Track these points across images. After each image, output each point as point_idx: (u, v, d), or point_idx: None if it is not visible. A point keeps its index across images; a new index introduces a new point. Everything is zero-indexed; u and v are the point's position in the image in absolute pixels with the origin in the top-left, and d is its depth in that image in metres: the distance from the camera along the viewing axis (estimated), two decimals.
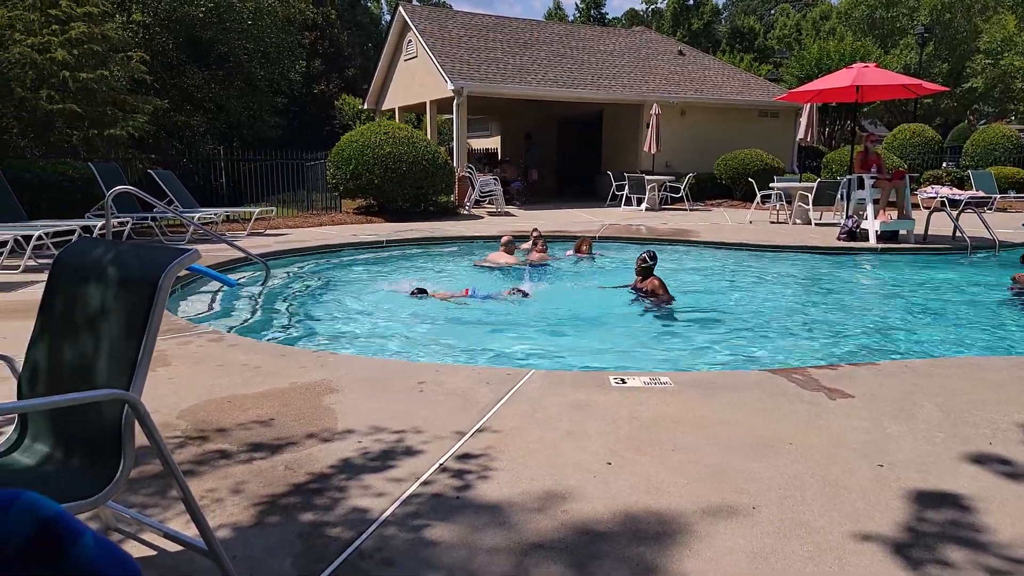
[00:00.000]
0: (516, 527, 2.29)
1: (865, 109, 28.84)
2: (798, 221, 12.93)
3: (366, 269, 8.79)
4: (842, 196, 11.94)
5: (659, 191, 15.96)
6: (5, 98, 10.54)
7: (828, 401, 3.42)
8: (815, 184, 12.60)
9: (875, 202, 10.19)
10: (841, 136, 25.25)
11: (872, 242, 9.98)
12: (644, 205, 15.57)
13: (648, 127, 16.56)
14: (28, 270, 7.22)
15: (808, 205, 12.60)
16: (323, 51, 33.37)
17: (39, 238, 7.31)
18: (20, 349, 2.08)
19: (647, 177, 15.59)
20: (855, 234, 10.18)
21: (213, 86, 19.49)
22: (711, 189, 17.95)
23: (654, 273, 6.75)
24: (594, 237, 10.78)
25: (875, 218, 10.11)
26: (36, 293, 6.04)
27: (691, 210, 15.74)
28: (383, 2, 49.50)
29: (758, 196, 14.08)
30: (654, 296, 6.60)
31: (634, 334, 5.81)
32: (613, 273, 8.13)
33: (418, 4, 19.35)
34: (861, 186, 10.44)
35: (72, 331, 1.84)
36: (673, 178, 16.30)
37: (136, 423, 1.70)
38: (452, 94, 15.77)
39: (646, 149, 16.56)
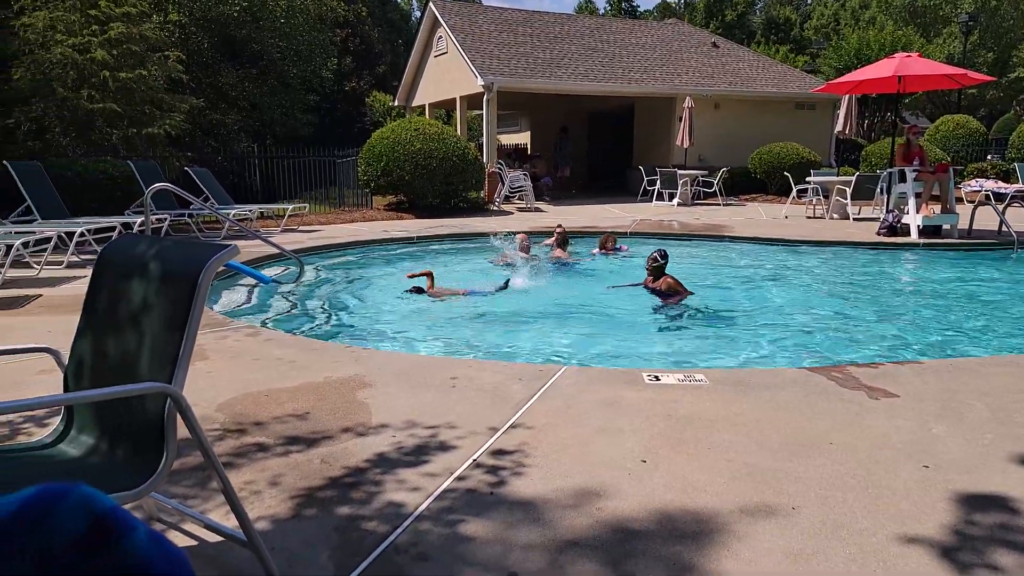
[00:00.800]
0: (550, 524, 2.27)
1: (906, 100, 28.08)
2: (835, 216, 12.66)
3: (397, 265, 8.85)
4: (882, 190, 11.64)
5: (692, 186, 15.77)
6: (47, 98, 10.83)
7: (869, 400, 3.33)
8: (854, 177, 12.32)
9: (917, 196, 9.91)
10: (881, 128, 24.66)
11: (914, 237, 9.72)
12: (676, 200, 15.39)
13: (680, 121, 16.36)
14: (71, 266, 7.42)
15: (846, 199, 12.32)
16: (354, 48, 33.64)
17: (81, 235, 7.51)
18: (66, 343, 2.14)
19: (679, 172, 15.41)
20: (896, 229, 9.92)
21: (247, 84, 19.81)
22: (745, 184, 17.67)
23: (666, 272, 6.62)
24: (625, 233, 10.70)
25: (917, 212, 9.83)
26: (80, 288, 6.20)
27: (724, 205, 15.52)
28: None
29: (794, 190, 13.82)
30: (673, 295, 6.47)
31: (662, 332, 5.75)
32: (632, 271, 8.03)
33: (448, 0, 19.35)
34: (903, 179, 10.17)
35: (116, 325, 1.88)
36: (706, 172, 16.08)
37: (178, 416, 1.72)
38: (482, 89, 15.77)
39: (678, 143, 16.37)
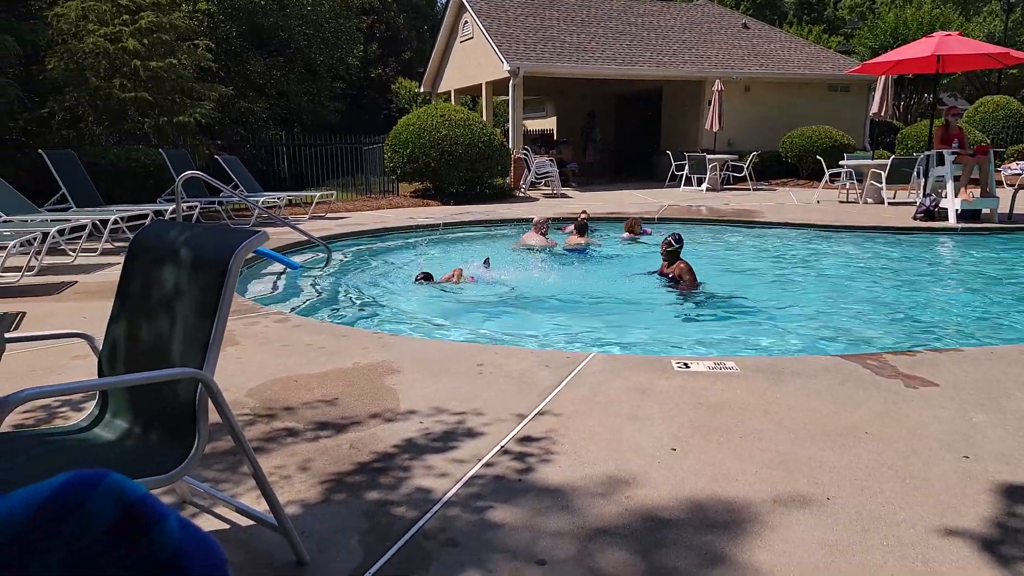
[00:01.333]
0: (579, 511, 2.26)
1: (944, 81, 27.27)
2: (870, 200, 12.37)
3: (423, 252, 8.87)
4: (919, 173, 11.34)
5: (721, 170, 15.52)
6: (80, 87, 11.01)
7: (906, 388, 3.25)
8: (889, 161, 12.01)
9: (956, 179, 9.63)
10: (918, 110, 23.99)
11: (952, 222, 9.45)
12: (705, 185, 15.18)
13: (710, 104, 16.09)
14: (105, 253, 7.57)
15: (881, 183, 12.03)
16: (379, 35, 33.63)
17: (115, 222, 7.64)
18: (100, 328, 2.16)
19: (708, 156, 15.17)
20: (933, 213, 9.66)
21: (274, 72, 19.93)
22: (776, 168, 17.35)
23: (681, 257, 6.46)
24: (653, 219, 10.58)
25: (956, 196, 9.56)
26: (114, 275, 6.32)
27: (754, 190, 15.26)
28: None
29: (826, 174, 13.51)
30: (684, 283, 6.34)
31: (689, 320, 5.67)
32: (653, 258, 7.94)
33: None
34: (941, 162, 9.88)
35: (148, 311, 1.89)
36: (736, 157, 15.81)
37: (209, 401, 1.73)
38: (508, 75, 15.66)
39: (707, 127, 16.11)
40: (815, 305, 5.96)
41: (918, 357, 3.72)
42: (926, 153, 10.60)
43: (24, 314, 4.81)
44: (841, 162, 13.04)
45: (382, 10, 33.57)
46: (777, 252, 8.58)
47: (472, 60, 18.57)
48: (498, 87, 17.61)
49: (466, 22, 18.89)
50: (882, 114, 13.93)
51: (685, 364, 3.61)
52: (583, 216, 9.06)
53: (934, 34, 10.87)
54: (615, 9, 20.87)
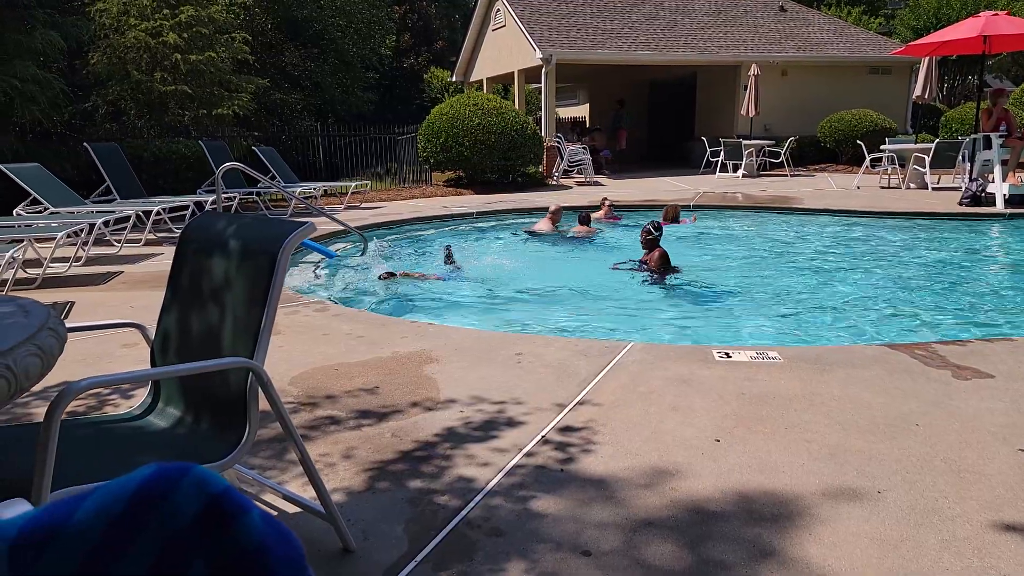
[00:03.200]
0: (623, 503, 2.24)
1: (990, 62, 26.31)
2: (912, 185, 12.03)
3: (457, 240, 8.89)
4: (964, 157, 10.98)
5: (757, 156, 15.23)
6: (123, 81, 11.25)
7: (958, 379, 3.15)
8: (933, 145, 11.64)
9: (1003, 163, 9.31)
10: (962, 92, 23.20)
11: (999, 207, 9.14)
12: (741, 171, 14.91)
13: (746, 89, 15.77)
14: (149, 243, 7.75)
15: (924, 168, 11.68)
16: (412, 25, 33.68)
17: (158, 213, 7.81)
18: (146, 317, 2.21)
19: (744, 142, 14.89)
20: (980, 199, 9.35)
21: (309, 64, 20.11)
22: (814, 153, 16.95)
23: (659, 245, 6.37)
24: (688, 206, 10.44)
25: (1003, 181, 9.23)
26: (159, 264, 6.47)
27: (792, 176, 14.95)
28: None
29: (867, 159, 13.16)
30: (659, 271, 6.24)
31: (724, 308, 5.59)
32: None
33: None
34: (988, 146, 9.56)
35: (199, 301, 1.93)
36: (772, 142, 15.49)
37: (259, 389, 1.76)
38: (540, 62, 15.55)
39: (743, 112, 15.79)
40: (859, 294, 5.82)
41: (968, 347, 3.61)
42: (972, 136, 10.25)
43: (73, 304, 4.95)
44: (883, 146, 12.69)
45: (414, 0, 33.59)
46: (816, 239, 8.40)
47: (504, 48, 18.48)
48: (530, 75, 17.51)
49: (498, 10, 18.78)
50: (926, 97, 13.48)
51: (726, 354, 3.56)
52: (607, 202, 9.08)
53: (981, 14, 10.49)
54: None
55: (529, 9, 17.53)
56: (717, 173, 15.36)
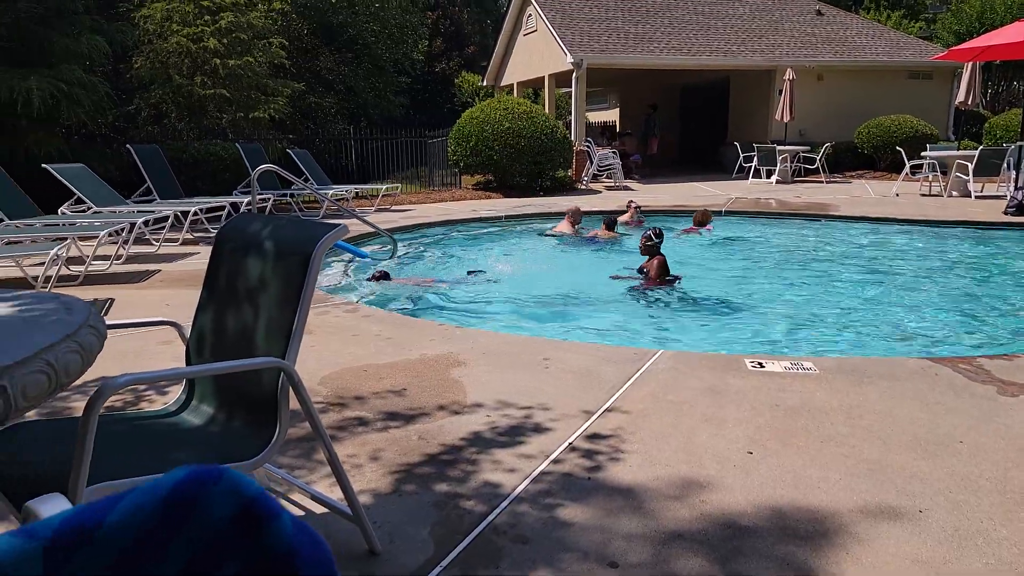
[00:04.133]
0: (652, 514, 2.20)
1: None
2: (955, 193, 11.71)
3: (485, 243, 8.91)
4: (1010, 165, 10.65)
5: (792, 162, 14.99)
6: (165, 85, 11.51)
7: (1004, 396, 3.04)
8: (977, 152, 11.33)
9: None
10: (1007, 99, 22.56)
11: None
12: (775, 177, 14.69)
13: (780, 94, 15.54)
14: (186, 243, 7.90)
15: (967, 175, 11.36)
16: (444, 30, 33.91)
17: (195, 214, 7.96)
18: (183, 315, 2.24)
19: (778, 147, 14.67)
20: None
21: (343, 68, 20.36)
22: (850, 160, 16.62)
23: (660, 252, 6.16)
24: (720, 212, 10.31)
25: None
26: (195, 263, 6.59)
27: (828, 182, 14.67)
28: None
29: (907, 166, 12.85)
30: (657, 278, 6.02)
31: (756, 317, 5.49)
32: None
33: None
34: None
35: (234, 300, 1.94)
36: (808, 148, 15.23)
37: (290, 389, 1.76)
38: (571, 66, 15.52)
39: (778, 117, 15.56)
40: (897, 305, 5.68)
41: (1015, 362, 3.48)
42: (1018, 144, 9.94)
43: (112, 300, 5.06)
44: (923, 153, 12.38)
45: (447, 5, 33.84)
46: (853, 247, 8.22)
47: (535, 53, 18.50)
48: (561, 79, 17.49)
49: (529, 15, 18.81)
50: (969, 103, 13.14)
51: (759, 364, 3.49)
52: (633, 205, 9.28)
53: None
54: None
55: (561, 14, 17.52)
56: (750, 179, 15.15)
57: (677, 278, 6.21)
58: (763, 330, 5.11)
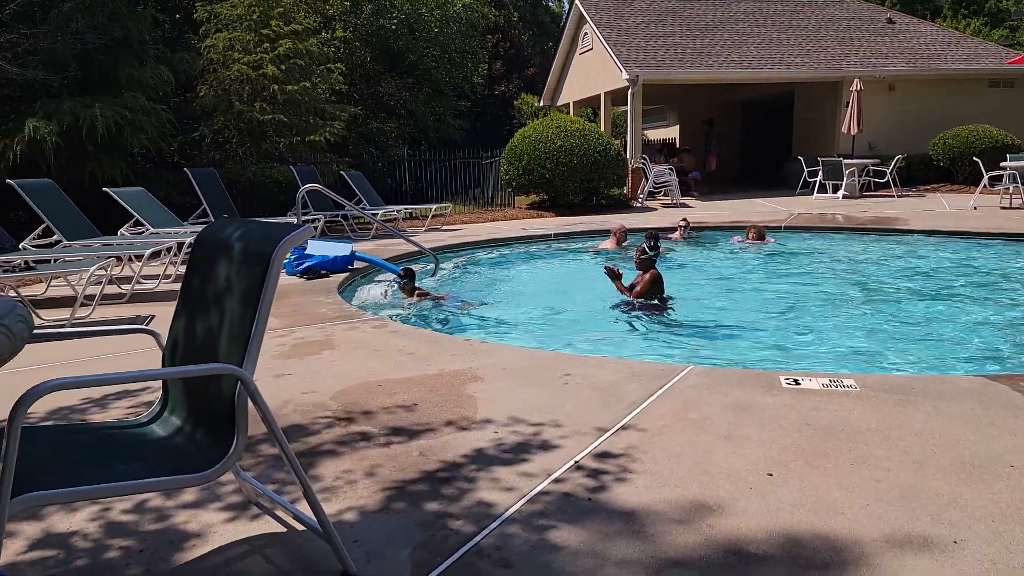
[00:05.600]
0: (652, 538, 2.02)
1: None
2: None
3: (531, 262, 8.80)
4: None
5: (860, 176, 14.30)
6: (227, 111, 12.02)
7: None
8: None
9: None
10: None
11: None
12: (841, 192, 14.04)
13: (847, 105, 14.90)
14: None
15: None
16: (504, 53, 34.32)
17: None
18: None
19: (845, 161, 14.03)
20: None
21: (404, 93, 20.83)
22: (924, 173, 15.73)
23: (654, 267, 5.63)
24: (779, 227, 9.90)
25: None
26: None
27: (899, 196, 13.91)
28: (564, 1, 49.88)
29: (985, 177, 12.04)
30: (647, 295, 5.50)
31: (800, 330, 5.15)
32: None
33: None
34: None
35: (203, 306, 1.90)
36: (877, 161, 14.51)
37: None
38: (627, 83, 15.35)
39: (845, 130, 14.91)
40: (959, 320, 5.24)
41: None
42: None
43: (153, 316, 5.21)
44: (1003, 163, 11.58)
45: (507, 28, 34.27)
46: (919, 261, 7.70)
47: (591, 71, 18.43)
48: (617, 97, 17.34)
49: (586, 34, 18.80)
50: None
51: (795, 380, 3.24)
52: (682, 223, 9.39)
53: None
54: (741, 11, 19.97)
55: (616, 31, 17.42)
56: (815, 194, 14.54)
57: (668, 299, 5.70)
58: (808, 344, 4.79)
